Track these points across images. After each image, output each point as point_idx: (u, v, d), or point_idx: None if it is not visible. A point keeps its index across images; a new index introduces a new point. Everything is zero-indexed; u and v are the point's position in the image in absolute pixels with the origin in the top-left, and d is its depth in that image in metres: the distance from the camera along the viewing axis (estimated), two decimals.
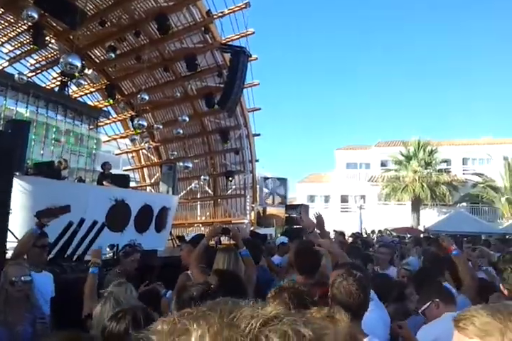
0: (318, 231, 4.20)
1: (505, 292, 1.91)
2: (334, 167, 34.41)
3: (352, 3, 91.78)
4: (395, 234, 19.56)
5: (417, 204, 27.98)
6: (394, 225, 22.02)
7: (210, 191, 20.45)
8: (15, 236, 6.36)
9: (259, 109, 19.89)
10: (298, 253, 3.57)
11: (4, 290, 2.69)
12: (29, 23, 12.68)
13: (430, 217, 25.49)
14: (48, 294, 3.60)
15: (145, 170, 21.48)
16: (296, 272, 3.86)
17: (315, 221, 4.19)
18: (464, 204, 28.86)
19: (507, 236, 15.60)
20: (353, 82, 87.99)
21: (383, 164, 32.21)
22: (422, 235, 17.57)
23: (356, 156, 33.68)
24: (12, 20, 14.55)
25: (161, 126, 18.29)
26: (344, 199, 32.58)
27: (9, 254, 6.10)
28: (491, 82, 79.84)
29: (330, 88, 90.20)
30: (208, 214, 20.54)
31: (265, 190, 22.32)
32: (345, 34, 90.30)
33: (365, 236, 15.67)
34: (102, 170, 11.48)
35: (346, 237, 13.08)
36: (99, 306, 2.38)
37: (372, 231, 17.68)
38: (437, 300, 2.83)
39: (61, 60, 11.82)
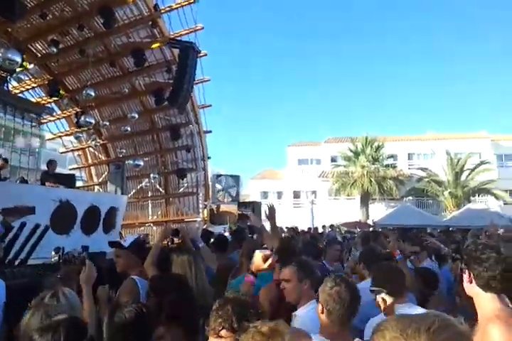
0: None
1: (470, 282, 1.94)
2: (286, 163, 34.78)
3: None
4: (345, 228, 20.01)
5: (365, 199, 28.81)
6: (344, 220, 22.53)
7: (161, 189, 20.06)
8: None
9: (210, 105, 19.71)
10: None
11: None
12: None
13: (378, 211, 26.29)
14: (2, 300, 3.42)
15: (92, 168, 20.75)
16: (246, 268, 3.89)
17: (267, 212, 4.29)
18: (410, 198, 30.00)
19: (450, 229, 16.31)
20: (303, 79, 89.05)
21: (333, 160, 32.89)
22: (370, 229, 18.05)
23: (307, 152, 34.21)
24: None
25: (107, 123, 17.71)
26: (296, 195, 33.03)
27: None
28: (434, 78, 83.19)
29: (281, 84, 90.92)
30: (159, 213, 20.15)
31: (218, 187, 22.16)
32: (294, 25, 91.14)
33: (320, 231, 15.92)
34: (46, 169, 10.94)
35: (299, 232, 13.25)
36: (27, 317, 2.26)
37: (323, 227, 17.98)
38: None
39: None
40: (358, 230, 17.07)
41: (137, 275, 3.43)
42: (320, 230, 16.93)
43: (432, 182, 28.52)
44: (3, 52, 11.24)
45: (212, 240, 6.18)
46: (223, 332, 1.73)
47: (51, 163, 10.69)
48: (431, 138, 32.27)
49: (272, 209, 4.28)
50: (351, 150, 30.00)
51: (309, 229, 16.74)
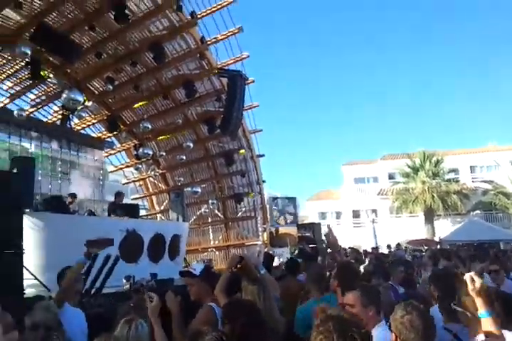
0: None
1: None
2: (342, 182, 34.28)
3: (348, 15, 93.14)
4: (410, 246, 19.23)
5: (429, 216, 27.66)
6: (408, 238, 21.69)
7: (220, 215, 20.28)
8: (32, 274, 6.22)
9: (261, 130, 19.93)
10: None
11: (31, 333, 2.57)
12: (26, 59, 12.81)
13: (444, 228, 25.13)
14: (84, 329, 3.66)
15: (153, 197, 21.37)
16: (317, 294, 3.79)
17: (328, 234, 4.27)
18: (478, 211, 28.52)
19: None
20: (353, 95, 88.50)
21: (391, 177, 32.05)
22: (438, 246, 17.25)
23: (363, 171, 33.57)
24: (9, 57, 14.71)
25: (164, 153, 18.27)
26: (356, 214, 32.30)
27: (28, 293, 5.99)
28: (493, 90, 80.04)
29: (329, 105, 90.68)
30: (220, 237, 20.32)
31: (275, 210, 22.11)
32: (345, 49, 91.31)
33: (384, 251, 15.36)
34: (113, 200, 11.36)
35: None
36: None
37: (388, 246, 17.35)
38: None
39: (63, 95, 11.94)
40: (425, 248, 16.36)
41: (212, 302, 3.39)
42: (384, 249, 16.38)
43: (500, 194, 27.06)
44: (67, 93, 11.99)
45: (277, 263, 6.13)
46: None
47: (119, 195, 11.12)
48: (492, 150, 30.88)
49: (330, 231, 4.28)
50: (409, 166, 29.09)
51: (373, 248, 16.24)
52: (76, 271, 3.83)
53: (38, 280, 6.16)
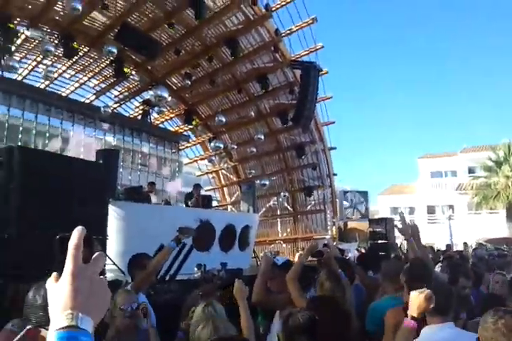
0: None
1: None
2: (417, 177, 33.02)
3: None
4: (489, 245, 18.21)
5: None
6: (487, 236, 20.55)
7: (289, 207, 20.42)
8: (111, 259, 6.74)
9: (334, 122, 19.73)
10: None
11: (114, 319, 2.74)
12: (111, 58, 13.68)
13: None
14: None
15: (225, 189, 21.97)
16: (390, 291, 3.72)
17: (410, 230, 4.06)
18: None
19: None
20: (431, 86, 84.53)
21: (471, 171, 30.34)
22: None
23: (441, 164, 32.05)
24: (96, 57, 15.76)
25: (235, 146, 18.71)
26: (431, 210, 31.03)
27: (107, 278, 6.51)
28: None
29: (405, 95, 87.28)
30: (288, 230, 20.48)
31: (345, 204, 21.87)
32: (418, 39, 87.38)
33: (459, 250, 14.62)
34: (190, 191, 11.87)
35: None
36: (199, 328, 2.37)
37: (465, 244, 16.48)
38: None
39: (150, 92, 12.71)
40: (506, 247, 15.44)
41: None
42: (460, 248, 15.62)
43: None
44: (154, 89, 12.74)
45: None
46: None
47: (197, 187, 11.61)
48: None
49: (415, 227, 4.06)
50: (492, 160, 27.33)
51: (447, 246, 15.54)
52: (165, 255, 3.76)
53: (116, 265, 6.61)
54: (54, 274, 0.75)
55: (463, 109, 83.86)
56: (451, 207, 29.34)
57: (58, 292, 0.71)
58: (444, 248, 14.73)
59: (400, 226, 4.21)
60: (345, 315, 2.53)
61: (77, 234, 0.76)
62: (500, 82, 76.92)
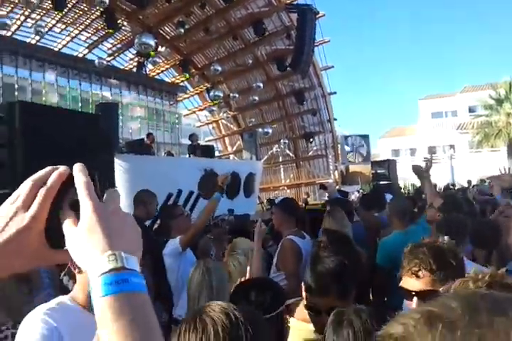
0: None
1: None
2: (418, 118, 32.87)
3: None
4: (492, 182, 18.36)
5: None
6: (489, 174, 20.74)
7: (291, 154, 20.59)
8: None
9: (333, 66, 19.39)
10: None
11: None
12: (101, 9, 13.23)
13: None
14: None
15: (226, 139, 22.03)
16: (400, 227, 3.86)
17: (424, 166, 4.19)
18: None
19: None
20: (428, 25, 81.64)
21: (472, 110, 30.14)
22: None
23: (441, 105, 31.82)
24: (86, 8, 15.24)
25: (236, 95, 18.52)
26: (432, 150, 31.15)
27: None
28: None
29: (403, 35, 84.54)
30: (291, 176, 20.78)
31: (347, 148, 21.96)
32: None
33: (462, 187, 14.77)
34: (190, 142, 12.01)
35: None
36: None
37: (469, 182, 16.62)
38: None
39: (135, 40, 12.36)
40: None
41: (291, 234, 3.40)
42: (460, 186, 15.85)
43: None
44: (138, 37, 12.39)
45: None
46: (421, 273, 1.73)
47: (192, 136, 11.73)
48: None
49: (428, 164, 4.18)
50: (492, 98, 27.04)
51: (447, 185, 15.77)
52: (213, 207, 3.69)
53: None
54: (70, 218, 0.63)
55: (464, 49, 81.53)
56: (452, 146, 29.44)
57: (86, 235, 0.61)
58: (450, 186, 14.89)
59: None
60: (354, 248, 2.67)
61: (78, 169, 0.68)
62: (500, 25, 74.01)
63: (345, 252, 2.01)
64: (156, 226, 5.11)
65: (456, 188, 13.84)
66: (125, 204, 7.90)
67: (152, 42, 12.44)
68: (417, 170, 4.33)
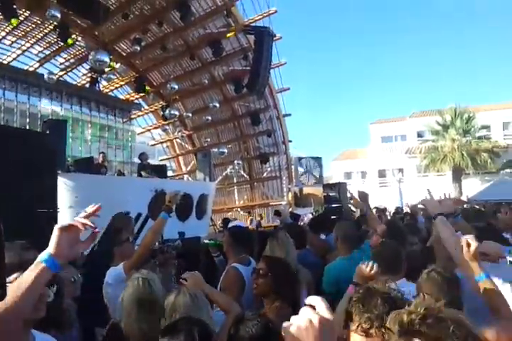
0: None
1: None
2: (369, 142, 33.88)
3: None
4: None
5: (458, 174, 27.23)
6: (435, 197, 21.50)
7: (245, 175, 20.57)
8: None
9: (288, 88, 19.72)
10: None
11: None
12: (55, 23, 12.90)
13: (473, 187, 24.74)
14: None
15: (180, 158, 21.78)
16: (345, 252, 3.90)
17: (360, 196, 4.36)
18: (508, 170, 27.87)
19: None
20: (379, 53, 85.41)
21: (420, 135, 31.39)
22: (465, 205, 17.09)
23: (391, 129, 32.98)
24: (38, 22, 14.84)
25: (190, 114, 18.41)
26: (382, 173, 32.10)
27: None
28: None
29: (357, 62, 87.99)
30: (245, 197, 20.71)
31: (300, 170, 22.22)
32: (372, 4, 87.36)
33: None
34: (139, 161, 11.74)
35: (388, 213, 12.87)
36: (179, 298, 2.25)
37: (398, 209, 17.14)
38: None
39: (90, 57, 12.08)
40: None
41: (236, 262, 3.38)
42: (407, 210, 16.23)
43: None
44: (93, 54, 12.11)
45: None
46: (373, 331, 1.50)
47: (143, 155, 11.48)
48: None
49: (363, 194, 4.33)
50: (439, 124, 28.30)
51: (397, 208, 16.17)
52: (159, 228, 3.38)
53: None
54: None
55: (413, 74, 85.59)
56: (401, 170, 30.42)
57: None
58: (393, 210, 15.32)
59: (356, 196, 4.48)
60: (294, 274, 2.68)
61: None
62: (442, 46, 78.80)
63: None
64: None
65: (404, 212, 14.17)
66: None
67: (107, 59, 12.19)
68: (362, 196, 4.43)
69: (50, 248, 1.11)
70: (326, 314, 0.90)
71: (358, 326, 1.53)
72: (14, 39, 15.78)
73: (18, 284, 1.15)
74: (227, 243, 3.62)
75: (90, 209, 1.18)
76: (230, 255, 3.58)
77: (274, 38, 15.29)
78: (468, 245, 2.19)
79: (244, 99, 18.50)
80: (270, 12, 15.56)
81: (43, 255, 1.14)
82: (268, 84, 16.66)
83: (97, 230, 1.35)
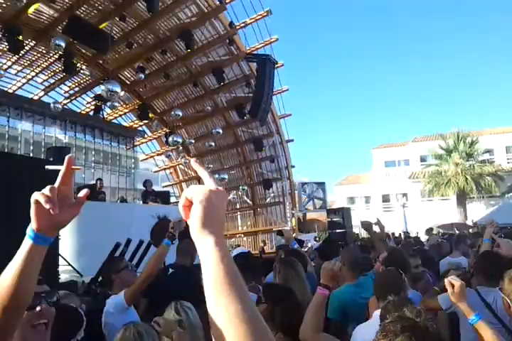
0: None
1: None
2: (372, 167, 33.88)
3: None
4: (441, 230, 18.93)
5: (462, 199, 27.06)
6: (440, 222, 21.37)
7: (248, 201, 20.49)
8: (66, 261, 6.54)
9: (290, 114, 19.92)
10: None
11: None
12: (59, 52, 13.15)
13: (477, 211, 24.63)
14: None
15: (183, 184, 21.76)
16: (349, 278, 3.82)
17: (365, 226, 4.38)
18: None
19: None
20: (383, 77, 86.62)
21: (423, 159, 31.40)
22: (470, 230, 16.95)
23: (394, 154, 33.03)
24: (44, 51, 15.14)
25: (193, 141, 18.52)
26: (385, 198, 31.94)
27: (62, 279, 6.33)
28: None
29: (359, 89, 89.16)
30: (249, 223, 20.57)
31: (304, 196, 22.16)
32: (373, 30, 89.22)
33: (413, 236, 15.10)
34: (144, 188, 11.71)
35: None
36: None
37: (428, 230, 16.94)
38: None
39: (101, 87, 12.23)
40: (457, 232, 16.09)
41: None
42: (412, 235, 16.13)
43: None
44: (105, 84, 12.28)
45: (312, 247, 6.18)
46: None
47: (147, 182, 11.45)
48: None
49: (366, 223, 4.30)
50: (442, 148, 28.33)
51: (404, 233, 16.05)
52: (162, 256, 3.34)
53: (72, 266, 6.42)
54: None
55: (414, 99, 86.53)
56: (404, 195, 30.30)
57: None
58: (401, 235, 15.18)
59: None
60: (298, 304, 2.57)
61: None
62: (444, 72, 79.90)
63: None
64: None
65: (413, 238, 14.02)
66: (71, 251, 7.49)
67: (118, 90, 12.29)
68: (365, 225, 4.43)
69: (32, 223, 1.06)
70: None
71: None
72: (20, 68, 16.07)
73: (9, 265, 1.10)
74: None
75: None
76: None
77: (276, 65, 15.54)
78: (452, 286, 2.10)
79: (247, 126, 18.64)
80: (271, 40, 15.91)
81: (28, 231, 1.09)
82: (270, 110, 16.83)
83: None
